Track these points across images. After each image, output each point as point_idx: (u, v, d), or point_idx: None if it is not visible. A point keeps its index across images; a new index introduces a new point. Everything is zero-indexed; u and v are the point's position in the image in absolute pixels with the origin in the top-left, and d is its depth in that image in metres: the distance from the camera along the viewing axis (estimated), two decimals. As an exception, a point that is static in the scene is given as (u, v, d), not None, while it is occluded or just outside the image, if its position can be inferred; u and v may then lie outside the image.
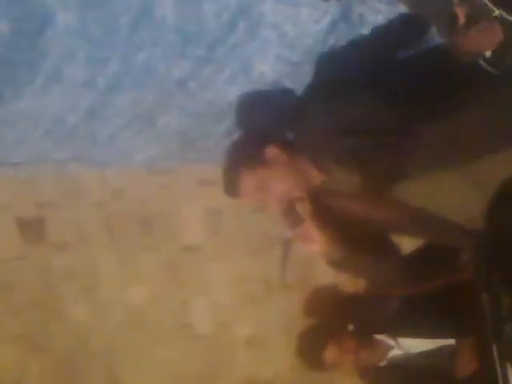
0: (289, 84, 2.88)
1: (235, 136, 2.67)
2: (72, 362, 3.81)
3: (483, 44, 2.23)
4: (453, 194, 2.38)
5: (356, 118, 2.39)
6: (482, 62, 2.26)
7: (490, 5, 2.19)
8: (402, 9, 2.57)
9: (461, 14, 2.20)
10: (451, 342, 2.98)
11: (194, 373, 3.92)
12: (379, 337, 3.09)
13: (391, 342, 3.07)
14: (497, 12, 2.18)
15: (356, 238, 2.49)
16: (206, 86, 2.85)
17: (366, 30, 2.62)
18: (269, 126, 2.60)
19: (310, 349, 3.21)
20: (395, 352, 3.08)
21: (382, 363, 3.11)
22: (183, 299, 3.98)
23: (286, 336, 3.89)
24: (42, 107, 2.86)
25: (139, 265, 3.93)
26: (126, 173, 3.75)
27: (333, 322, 3.29)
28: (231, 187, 2.56)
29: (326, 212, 2.47)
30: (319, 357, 3.17)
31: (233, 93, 2.90)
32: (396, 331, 3.07)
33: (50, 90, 2.70)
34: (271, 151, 2.51)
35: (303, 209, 2.46)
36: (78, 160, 3.58)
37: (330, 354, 3.14)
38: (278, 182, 2.50)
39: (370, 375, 3.17)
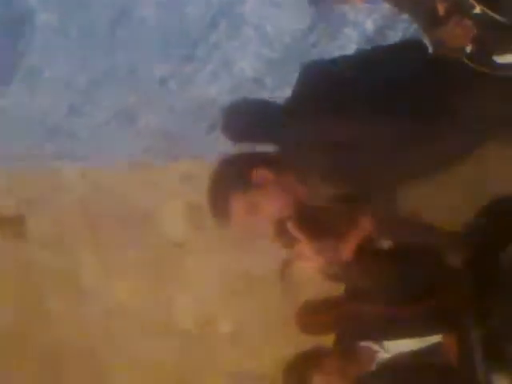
0: (269, 81, 2.88)
1: (221, 151, 2.65)
2: (54, 357, 3.80)
3: (459, 38, 2.23)
4: (442, 201, 2.38)
5: (343, 131, 2.39)
6: (465, 59, 2.26)
7: (471, 0, 2.19)
8: (384, 7, 2.58)
9: (441, 8, 2.20)
10: (438, 338, 2.98)
11: (178, 368, 3.93)
12: (364, 344, 3.08)
13: (376, 346, 3.07)
14: (478, 8, 2.19)
15: (348, 248, 2.49)
16: (188, 83, 2.85)
17: (347, 30, 2.63)
18: (254, 141, 2.59)
19: (294, 380, 3.17)
20: (381, 356, 3.08)
21: (372, 369, 3.10)
22: (166, 294, 3.98)
23: (269, 330, 3.90)
24: (24, 106, 2.85)
25: (121, 260, 3.92)
26: (107, 169, 3.74)
27: (323, 336, 3.25)
28: (220, 211, 2.51)
29: (315, 226, 2.47)
30: None
31: (214, 90, 2.91)
32: (380, 335, 3.07)
33: (31, 89, 2.69)
34: (259, 172, 2.48)
35: (295, 228, 2.45)
36: (60, 157, 3.56)
37: (315, 380, 3.11)
38: (268, 202, 2.47)
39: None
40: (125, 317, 3.90)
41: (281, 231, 2.46)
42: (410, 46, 2.54)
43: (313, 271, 2.53)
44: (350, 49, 2.85)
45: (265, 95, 2.94)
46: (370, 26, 2.85)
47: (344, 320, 3.21)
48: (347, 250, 2.48)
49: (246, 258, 3.93)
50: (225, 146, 2.56)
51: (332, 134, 2.38)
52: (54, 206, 3.78)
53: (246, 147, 2.52)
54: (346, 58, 2.64)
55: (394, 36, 2.91)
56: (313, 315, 3.31)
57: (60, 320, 3.79)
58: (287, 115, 2.54)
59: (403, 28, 2.86)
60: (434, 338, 2.98)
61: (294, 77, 2.56)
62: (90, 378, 3.86)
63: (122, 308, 3.89)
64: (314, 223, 2.47)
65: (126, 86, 2.84)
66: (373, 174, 2.37)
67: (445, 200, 2.36)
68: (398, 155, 2.35)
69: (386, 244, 2.69)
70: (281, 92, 2.76)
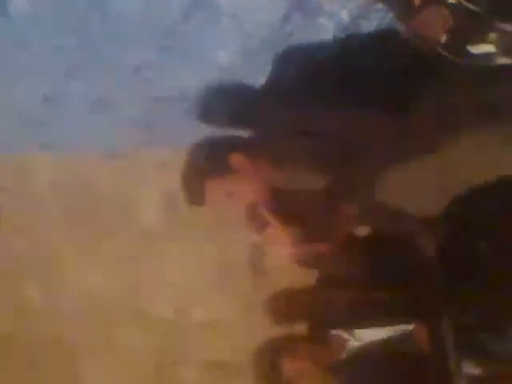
0: (245, 71, 2.88)
1: (194, 141, 2.65)
2: (28, 347, 3.79)
3: (435, 28, 2.24)
4: (416, 188, 2.39)
5: (318, 117, 2.39)
6: (439, 49, 2.27)
7: (447, -10, 2.20)
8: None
9: (417, -3, 2.21)
10: (409, 326, 3.00)
11: (153, 357, 3.93)
12: (335, 332, 3.09)
13: (346, 335, 3.09)
14: (454, -3, 2.20)
15: (323, 235, 2.50)
16: (163, 72, 2.84)
17: (322, 20, 2.63)
18: (229, 126, 2.59)
19: (265, 366, 3.18)
20: (352, 344, 3.10)
21: (343, 357, 3.12)
22: (141, 282, 3.97)
23: (244, 319, 3.91)
24: (-3, 94, 2.83)
25: (96, 249, 3.91)
26: (82, 158, 3.72)
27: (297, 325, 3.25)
28: (195, 196, 2.51)
29: (291, 212, 2.47)
30: (277, 372, 3.14)
31: (189, 79, 2.90)
32: (352, 324, 3.09)
33: (5, 78, 2.67)
34: (235, 158, 2.47)
35: (268, 212, 2.45)
36: (34, 145, 3.55)
37: (286, 367, 3.11)
38: (244, 187, 2.48)
39: (335, 372, 3.18)
40: (100, 305, 3.89)
41: (255, 216, 2.47)
42: (385, 35, 2.56)
43: (286, 258, 2.54)
44: (326, 39, 2.86)
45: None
46: (345, 15, 2.85)
47: (316, 308, 3.23)
48: (324, 236, 2.49)
49: (221, 246, 3.93)
50: (200, 135, 2.56)
51: (307, 120, 2.39)
52: (28, 194, 3.76)
53: (221, 132, 2.52)
54: (322, 44, 2.65)
55: (369, 26, 2.92)
56: (284, 304, 3.33)
57: (34, 308, 3.77)
58: (263, 100, 2.54)
59: (378, 18, 2.87)
60: (406, 327, 3.01)
61: (269, 67, 2.57)
62: (65, 365, 3.85)
63: (96, 296, 3.88)
64: (290, 209, 2.48)
65: (101, 74, 2.82)
66: (349, 160, 2.38)
67: (419, 187, 2.38)
68: (373, 143, 2.36)
69: (359, 231, 2.70)
70: (256, 82, 2.77)
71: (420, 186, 2.38)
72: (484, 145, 2.33)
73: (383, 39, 2.52)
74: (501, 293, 2.31)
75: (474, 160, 2.35)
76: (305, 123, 2.39)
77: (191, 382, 3.92)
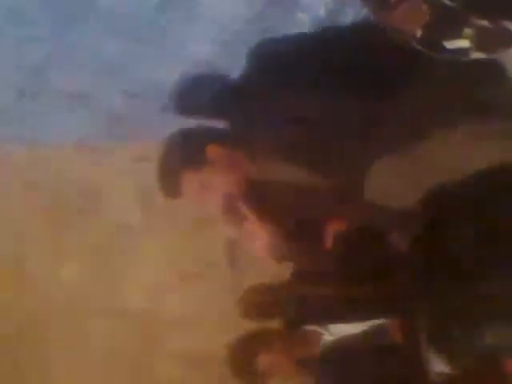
0: (221, 63, 2.87)
1: (170, 133, 2.63)
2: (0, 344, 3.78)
3: (412, 22, 2.25)
4: (393, 182, 2.39)
5: (301, 107, 2.39)
6: (415, 44, 2.28)
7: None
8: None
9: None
10: (383, 321, 3.01)
11: (126, 351, 3.92)
12: (309, 327, 3.10)
13: (321, 329, 3.10)
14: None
15: (300, 230, 2.50)
16: (139, 65, 2.84)
17: (299, 14, 2.63)
18: (205, 117, 2.58)
19: (240, 359, 3.18)
20: (327, 338, 3.11)
21: (317, 352, 3.13)
22: (115, 277, 3.96)
23: (217, 314, 3.91)
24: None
25: (71, 242, 3.89)
26: (56, 151, 3.70)
27: (268, 321, 3.26)
28: (171, 189, 2.49)
29: (268, 206, 2.47)
30: (252, 366, 3.14)
31: (165, 72, 2.89)
32: (327, 319, 3.10)
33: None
34: (211, 150, 2.45)
35: (245, 205, 2.44)
36: (8, 138, 3.53)
37: (262, 360, 3.12)
38: (219, 180, 2.46)
39: (309, 367, 3.19)
40: (74, 298, 3.88)
41: (232, 210, 2.46)
42: (360, 28, 2.56)
43: (262, 252, 2.54)
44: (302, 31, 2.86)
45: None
46: (321, 10, 2.86)
47: (290, 304, 3.24)
48: (302, 231, 2.50)
49: (196, 241, 3.93)
50: (175, 128, 2.56)
51: (284, 111, 2.39)
52: (2, 187, 3.74)
53: (196, 123, 2.51)
54: (298, 36, 2.64)
55: (345, 20, 2.93)
56: (258, 299, 3.33)
57: (7, 300, 3.76)
58: (239, 91, 2.54)
59: (354, 12, 2.88)
60: (380, 321, 3.02)
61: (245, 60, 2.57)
62: (37, 362, 3.84)
63: (70, 289, 3.87)
64: (267, 202, 2.47)
65: (77, 66, 2.81)
66: (324, 152, 2.39)
67: (394, 180, 2.39)
68: (346, 135, 2.36)
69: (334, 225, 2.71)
70: (232, 75, 2.77)
71: (395, 179, 2.39)
72: (456, 139, 2.35)
73: (360, 30, 2.52)
74: (475, 287, 2.31)
75: (446, 154, 2.36)
76: (282, 114, 2.39)
77: (165, 376, 3.92)
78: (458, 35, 2.23)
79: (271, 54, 2.59)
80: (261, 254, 2.55)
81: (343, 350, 3.09)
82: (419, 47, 2.28)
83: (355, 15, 2.84)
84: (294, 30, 2.77)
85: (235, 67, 2.75)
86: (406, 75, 2.36)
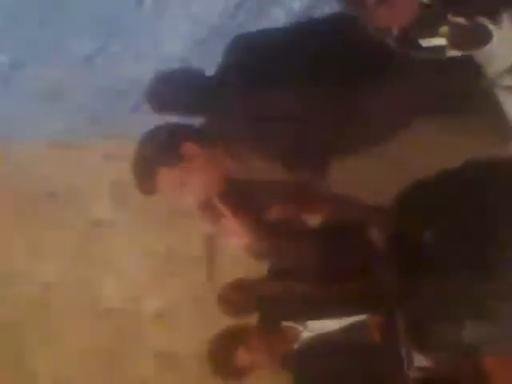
0: (196, 60, 2.85)
1: (145, 130, 2.61)
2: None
3: (387, 20, 2.24)
4: (366, 176, 2.39)
5: (277, 103, 2.37)
6: (391, 42, 2.27)
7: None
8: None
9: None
10: (362, 317, 3.02)
11: (103, 348, 3.90)
12: (287, 323, 3.10)
13: (299, 326, 3.10)
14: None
15: (277, 228, 2.49)
16: (113, 62, 2.81)
17: (274, 9, 2.62)
18: (181, 114, 2.55)
19: (220, 356, 3.17)
20: (305, 334, 3.11)
21: (295, 348, 3.12)
22: (91, 274, 3.94)
23: (194, 310, 3.90)
24: None
25: (46, 240, 3.87)
26: (30, 148, 3.67)
27: (244, 317, 3.25)
28: (146, 185, 2.47)
29: (245, 203, 2.45)
30: (230, 363, 3.14)
31: (139, 69, 2.87)
32: (303, 315, 3.09)
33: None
34: (187, 147, 2.44)
35: (222, 203, 2.43)
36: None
37: (241, 356, 3.11)
38: (195, 177, 2.44)
39: (288, 363, 3.18)
40: (50, 295, 3.86)
41: (207, 206, 2.45)
42: (336, 20, 2.55)
43: (239, 249, 2.53)
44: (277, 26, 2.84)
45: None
46: (297, 5, 2.85)
47: (267, 300, 3.24)
48: (278, 227, 2.49)
49: (172, 237, 3.92)
50: (149, 126, 2.53)
51: (260, 107, 2.38)
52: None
53: (171, 120, 2.50)
54: (274, 31, 2.63)
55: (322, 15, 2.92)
56: (235, 295, 3.32)
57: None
58: (215, 88, 2.52)
59: (330, 8, 2.87)
60: (359, 317, 3.03)
61: (220, 55, 2.55)
62: (15, 360, 3.82)
63: (47, 286, 3.85)
64: (241, 198, 2.46)
65: (51, 63, 2.79)
66: (301, 147, 2.38)
67: (369, 177, 2.39)
68: (324, 129, 2.36)
69: (311, 222, 2.70)
70: (208, 72, 2.75)
71: (370, 175, 2.39)
72: (432, 135, 2.35)
73: (335, 23, 2.51)
74: (450, 283, 2.32)
75: (422, 150, 2.37)
76: (258, 110, 2.37)
77: (142, 372, 3.91)
78: (435, 33, 2.23)
79: (247, 49, 2.58)
80: (238, 250, 2.54)
81: (321, 346, 3.10)
82: (394, 45, 2.28)
83: (331, 11, 2.83)
84: (269, 25, 2.75)
85: (210, 62, 2.74)
86: (381, 73, 2.36)
